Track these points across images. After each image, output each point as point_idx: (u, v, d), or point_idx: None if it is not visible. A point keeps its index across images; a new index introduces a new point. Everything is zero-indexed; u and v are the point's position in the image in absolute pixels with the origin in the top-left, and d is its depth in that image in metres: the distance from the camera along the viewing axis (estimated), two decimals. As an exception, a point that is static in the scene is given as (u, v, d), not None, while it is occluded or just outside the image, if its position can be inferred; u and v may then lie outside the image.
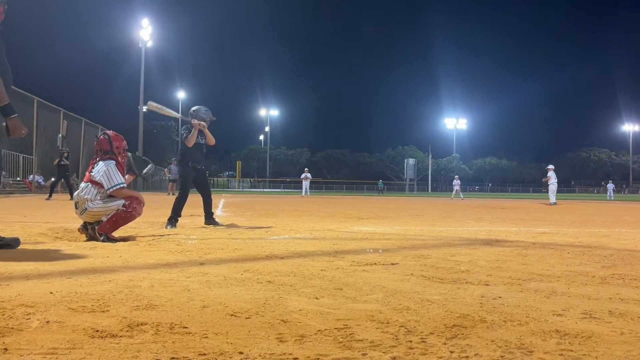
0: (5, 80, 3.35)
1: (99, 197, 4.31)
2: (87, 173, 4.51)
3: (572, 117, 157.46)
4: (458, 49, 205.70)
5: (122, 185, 4.38)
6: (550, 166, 18.05)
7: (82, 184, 4.46)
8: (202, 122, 6.02)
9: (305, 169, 31.96)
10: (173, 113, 6.28)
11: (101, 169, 4.37)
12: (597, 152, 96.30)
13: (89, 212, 4.28)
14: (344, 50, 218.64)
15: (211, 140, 6.19)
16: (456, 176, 32.64)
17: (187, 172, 6.15)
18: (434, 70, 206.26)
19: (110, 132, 4.64)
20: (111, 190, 4.32)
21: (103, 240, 4.09)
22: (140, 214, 4.50)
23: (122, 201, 4.32)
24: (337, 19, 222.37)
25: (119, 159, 4.56)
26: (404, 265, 3.09)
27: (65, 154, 16.13)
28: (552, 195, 17.12)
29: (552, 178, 17.62)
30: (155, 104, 5.96)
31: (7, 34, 3.57)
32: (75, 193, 4.47)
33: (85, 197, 4.30)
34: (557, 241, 4.76)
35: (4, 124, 3.38)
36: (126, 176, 4.63)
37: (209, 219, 6.20)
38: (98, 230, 4.17)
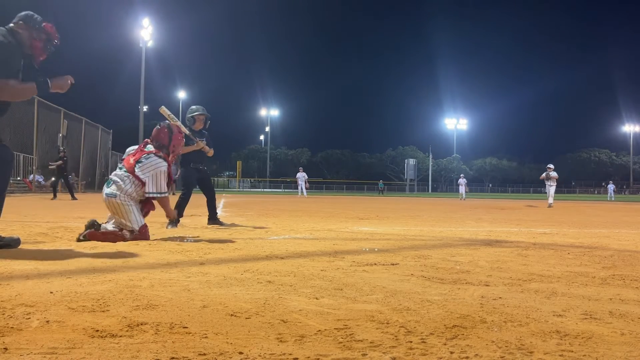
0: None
1: (133, 193, 4.14)
2: (131, 159, 4.22)
3: (572, 117, 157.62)
4: (458, 49, 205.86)
5: (165, 195, 4.23)
6: (551, 166, 17.91)
7: (123, 172, 4.21)
8: (206, 148, 6.03)
9: (300, 168, 31.63)
10: (182, 127, 6.21)
11: (152, 169, 4.14)
12: (598, 153, 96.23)
13: (110, 200, 4.10)
14: (344, 50, 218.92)
15: (210, 153, 6.20)
16: (462, 175, 32.26)
17: (189, 172, 6.14)
18: (435, 70, 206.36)
19: (174, 127, 4.42)
20: (154, 195, 4.17)
21: (79, 240, 3.96)
22: (126, 241, 4.07)
23: (135, 222, 4.12)
24: (337, 20, 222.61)
25: (170, 159, 4.37)
26: (404, 265, 3.09)
27: (62, 154, 16.15)
28: (551, 197, 16.93)
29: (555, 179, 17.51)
30: (167, 111, 5.89)
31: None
32: (113, 174, 4.27)
33: (121, 185, 4.10)
34: (557, 242, 4.76)
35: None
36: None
37: (213, 218, 6.18)
38: (88, 235, 3.98)
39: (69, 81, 3.57)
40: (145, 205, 4.36)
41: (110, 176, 4.31)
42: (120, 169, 4.30)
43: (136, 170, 4.18)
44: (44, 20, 3.62)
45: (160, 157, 4.27)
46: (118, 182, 4.17)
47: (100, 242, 4.00)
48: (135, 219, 4.14)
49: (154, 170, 4.18)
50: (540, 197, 28.00)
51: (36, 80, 3.45)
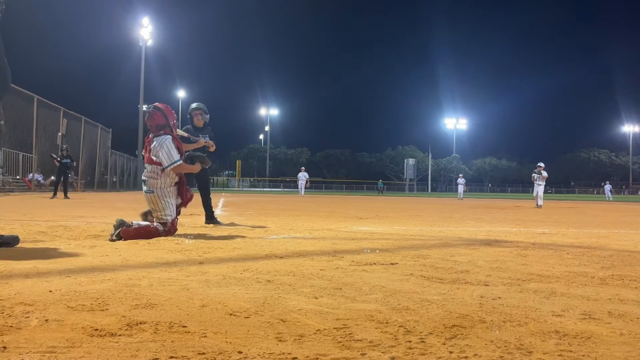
0: (5, 77, 3.34)
1: (167, 179, 4.47)
2: (145, 154, 4.58)
3: (572, 117, 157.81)
4: (458, 49, 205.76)
5: (179, 163, 4.48)
6: (542, 164, 17.52)
7: (148, 168, 4.55)
8: (209, 142, 6.05)
9: (302, 168, 31.70)
10: (184, 134, 6.22)
11: (159, 147, 4.43)
12: (597, 153, 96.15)
13: (149, 196, 4.44)
14: (344, 50, 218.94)
15: (212, 148, 6.22)
16: (460, 175, 32.40)
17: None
18: (434, 70, 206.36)
19: (161, 106, 4.65)
20: (170, 167, 4.43)
21: (111, 240, 4.05)
22: (166, 236, 4.36)
23: (169, 215, 4.43)
24: (337, 19, 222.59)
25: (174, 132, 4.64)
26: (404, 265, 3.09)
27: (65, 152, 16.11)
28: (540, 198, 16.48)
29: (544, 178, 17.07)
30: None
31: (8, 33, 3.56)
32: (143, 174, 4.58)
33: (153, 180, 4.45)
34: (556, 242, 4.76)
35: (2, 122, 3.37)
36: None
37: (210, 218, 6.18)
38: (122, 233, 4.11)
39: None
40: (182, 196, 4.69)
41: (142, 178, 4.66)
42: (145, 168, 4.62)
43: (153, 158, 4.49)
44: None
45: (161, 134, 4.53)
46: (148, 180, 4.50)
47: (99, 241, 4.01)
48: (170, 212, 4.46)
49: (160, 146, 4.45)
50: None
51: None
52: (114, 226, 4.20)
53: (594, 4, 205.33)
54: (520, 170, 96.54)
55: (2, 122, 3.40)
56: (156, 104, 4.66)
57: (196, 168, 4.86)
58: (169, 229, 4.41)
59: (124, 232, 4.13)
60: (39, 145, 22.42)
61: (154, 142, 4.49)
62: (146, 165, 4.59)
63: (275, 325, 1.69)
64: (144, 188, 4.54)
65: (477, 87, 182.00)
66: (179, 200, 4.66)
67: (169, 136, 4.50)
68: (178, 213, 4.69)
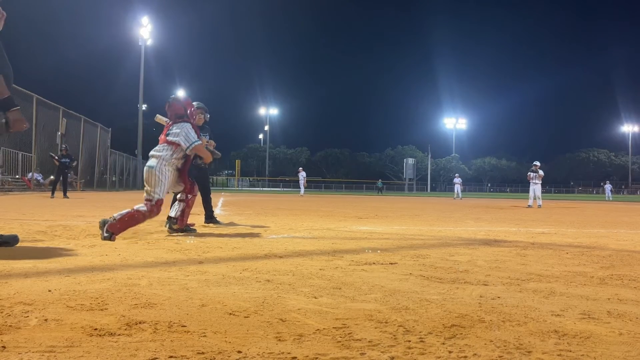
0: (6, 76, 3.33)
1: (171, 159, 4.53)
2: (162, 136, 4.71)
3: (571, 117, 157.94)
4: (458, 49, 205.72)
5: (198, 142, 4.64)
6: (538, 163, 17.38)
7: (159, 145, 4.65)
8: (211, 141, 6.06)
9: (300, 168, 31.96)
10: None
11: (179, 130, 4.59)
12: (597, 153, 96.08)
13: (148, 171, 4.47)
14: (343, 49, 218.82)
15: (212, 146, 6.24)
16: (457, 174, 32.27)
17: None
18: (434, 70, 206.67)
19: (181, 97, 4.84)
20: (190, 148, 4.57)
21: (104, 239, 4.06)
22: (150, 217, 4.45)
23: (157, 193, 4.41)
24: (336, 19, 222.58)
25: (192, 122, 4.79)
26: (403, 264, 3.09)
27: (65, 151, 16.08)
28: (538, 199, 16.31)
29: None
30: (163, 118, 5.94)
31: (7, 32, 3.56)
32: (152, 150, 4.65)
33: (159, 153, 4.53)
34: (555, 241, 4.76)
35: (3, 120, 3.34)
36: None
37: (210, 217, 6.19)
38: (108, 228, 4.11)
39: (24, 125, 3.35)
40: (187, 201, 4.79)
41: (150, 154, 4.72)
42: (157, 147, 4.71)
43: (168, 139, 4.61)
44: None
45: (180, 122, 4.70)
46: (156, 154, 4.59)
47: (99, 241, 4.01)
48: (159, 191, 4.46)
49: (180, 130, 4.62)
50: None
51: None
52: (100, 227, 4.21)
53: (594, 4, 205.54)
54: (519, 170, 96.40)
55: (4, 120, 3.37)
56: (176, 96, 4.86)
57: (209, 153, 5.00)
58: (151, 210, 4.34)
59: (111, 226, 4.12)
60: (39, 145, 22.39)
61: (174, 128, 4.64)
62: (158, 145, 4.71)
63: (274, 324, 1.69)
64: (148, 162, 4.60)
65: (477, 87, 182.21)
66: (180, 188, 4.73)
67: (189, 123, 4.70)
68: (183, 212, 4.74)
